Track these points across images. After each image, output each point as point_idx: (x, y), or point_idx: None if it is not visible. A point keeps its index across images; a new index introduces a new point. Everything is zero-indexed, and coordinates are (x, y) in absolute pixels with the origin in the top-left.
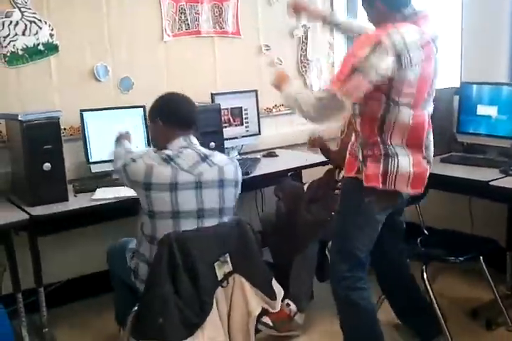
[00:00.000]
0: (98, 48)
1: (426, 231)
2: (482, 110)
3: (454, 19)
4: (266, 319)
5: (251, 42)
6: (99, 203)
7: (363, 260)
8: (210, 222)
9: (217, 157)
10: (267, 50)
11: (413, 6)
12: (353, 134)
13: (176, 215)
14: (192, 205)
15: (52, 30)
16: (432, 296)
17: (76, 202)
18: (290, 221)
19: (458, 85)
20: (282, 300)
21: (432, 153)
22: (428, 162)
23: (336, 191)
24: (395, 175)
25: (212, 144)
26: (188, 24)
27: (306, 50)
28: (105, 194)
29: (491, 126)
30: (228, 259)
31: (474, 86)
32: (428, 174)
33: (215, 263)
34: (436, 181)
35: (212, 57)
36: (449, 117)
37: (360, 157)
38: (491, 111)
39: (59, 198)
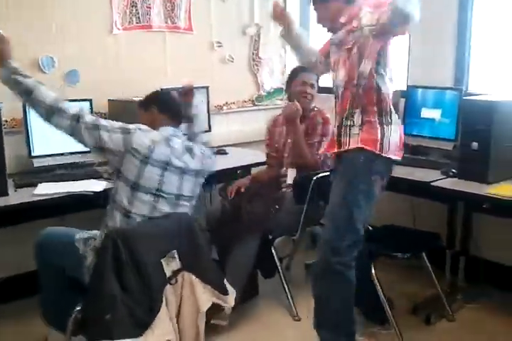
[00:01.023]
0: (44, 39)
1: (370, 227)
2: (426, 113)
3: None
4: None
5: (203, 39)
6: (41, 198)
7: (360, 237)
8: (183, 208)
9: (198, 150)
10: (219, 46)
11: None
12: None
13: (157, 194)
14: (174, 189)
15: None
16: (380, 291)
17: (16, 196)
18: (234, 216)
19: (404, 88)
20: None
21: None
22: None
23: (283, 189)
24: (389, 143)
25: None
26: (139, 18)
27: (258, 48)
28: (48, 189)
29: (434, 128)
30: (176, 256)
31: (419, 89)
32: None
33: (163, 260)
34: None
35: (162, 52)
36: None
37: (359, 121)
38: (435, 114)
39: None
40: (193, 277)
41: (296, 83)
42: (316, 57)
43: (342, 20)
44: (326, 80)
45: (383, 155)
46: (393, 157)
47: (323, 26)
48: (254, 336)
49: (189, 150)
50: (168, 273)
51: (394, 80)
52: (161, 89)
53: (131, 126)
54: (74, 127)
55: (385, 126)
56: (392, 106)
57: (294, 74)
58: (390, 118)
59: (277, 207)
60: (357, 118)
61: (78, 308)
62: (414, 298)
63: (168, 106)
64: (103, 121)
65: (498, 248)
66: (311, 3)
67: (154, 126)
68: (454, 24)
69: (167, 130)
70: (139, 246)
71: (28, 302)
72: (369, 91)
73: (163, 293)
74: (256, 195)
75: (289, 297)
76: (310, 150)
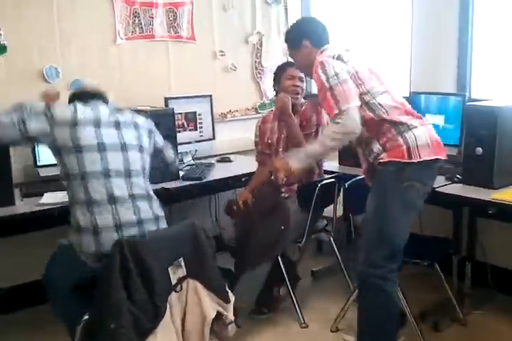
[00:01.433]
0: (49, 50)
1: None
2: (430, 119)
3: (404, 31)
4: None
5: (206, 48)
6: (47, 208)
7: (399, 248)
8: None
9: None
10: (222, 55)
11: None
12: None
13: (98, 148)
14: (113, 140)
15: (0, 29)
16: (402, 296)
17: (23, 206)
18: (246, 240)
19: (407, 95)
20: None
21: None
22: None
23: (282, 194)
24: (417, 147)
25: None
26: (142, 28)
27: (260, 56)
28: (54, 198)
29: (438, 134)
30: (182, 264)
31: (422, 96)
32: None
33: (169, 268)
34: None
35: (166, 62)
36: None
37: (379, 148)
38: (438, 120)
39: (5, 202)
40: (198, 284)
41: (285, 77)
42: None
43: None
44: None
45: (414, 161)
46: (429, 158)
47: (304, 73)
48: None
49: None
50: (173, 281)
51: (382, 88)
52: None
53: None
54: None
55: (404, 134)
56: (402, 114)
57: (282, 69)
58: (407, 124)
59: (283, 227)
60: (376, 148)
61: (86, 317)
62: (421, 304)
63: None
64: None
65: (504, 253)
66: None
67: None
68: (455, 30)
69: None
70: (146, 254)
71: (35, 311)
72: (369, 122)
73: (168, 300)
74: (264, 212)
75: (296, 304)
76: (307, 141)
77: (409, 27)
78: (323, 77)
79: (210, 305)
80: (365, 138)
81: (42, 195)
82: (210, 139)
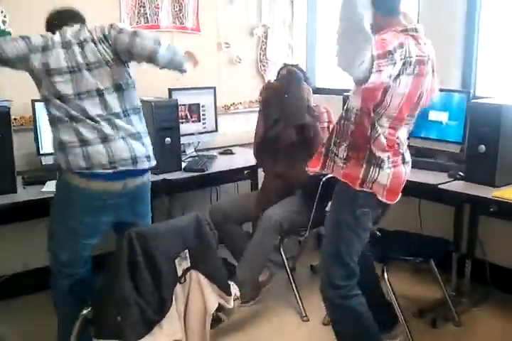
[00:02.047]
0: None
1: (378, 232)
2: (434, 115)
3: None
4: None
5: (211, 39)
6: (48, 196)
7: (353, 270)
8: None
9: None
10: (227, 47)
11: None
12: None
13: (68, 71)
14: (78, 60)
15: (4, 16)
16: (392, 295)
17: (25, 194)
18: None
19: None
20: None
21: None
22: (406, 163)
23: None
24: (372, 183)
25: (168, 140)
26: (147, 18)
27: (265, 49)
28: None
29: (441, 131)
30: (188, 255)
31: None
32: (405, 179)
33: (176, 260)
34: None
35: None
36: None
37: (343, 155)
38: (442, 116)
39: (7, 190)
40: (201, 276)
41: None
42: None
43: None
44: (326, 82)
45: (365, 190)
46: (380, 197)
47: None
48: (263, 336)
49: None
50: (179, 273)
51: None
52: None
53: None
54: None
55: (371, 167)
56: (387, 151)
57: (281, 68)
58: (382, 161)
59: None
60: (341, 152)
61: (84, 312)
62: (419, 301)
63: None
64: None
65: (505, 251)
66: None
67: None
68: (461, 27)
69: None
70: (154, 246)
71: (36, 298)
72: (359, 127)
73: (174, 292)
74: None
75: (298, 297)
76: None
77: (415, 22)
78: None
79: (213, 297)
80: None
81: (44, 183)
82: (212, 131)
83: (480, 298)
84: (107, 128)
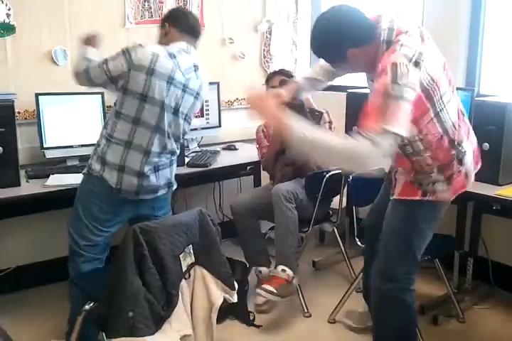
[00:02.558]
0: (58, 31)
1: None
2: None
3: (414, 21)
4: (269, 287)
5: (215, 35)
6: (52, 190)
7: (418, 263)
8: (177, 122)
9: (202, 72)
10: (231, 43)
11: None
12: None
13: (161, 106)
14: (174, 102)
15: (9, 10)
16: None
17: (28, 187)
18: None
19: None
20: (275, 267)
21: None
22: None
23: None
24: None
25: None
26: (152, 12)
27: (269, 45)
28: (59, 180)
29: None
30: (192, 251)
31: None
32: None
33: (181, 255)
34: None
35: None
36: None
37: (443, 178)
38: None
39: (11, 183)
40: (205, 271)
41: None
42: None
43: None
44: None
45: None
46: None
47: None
48: (265, 332)
49: (196, 69)
50: (184, 268)
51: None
52: (174, 8)
53: (131, 46)
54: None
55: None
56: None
57: (269, 77)
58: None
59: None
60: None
61: (87, 307)
62: (421, 298)
63: (178, 20)
64: (107, 56)
65: (507, 250)
66: None
67: (167, 41)
68: (466, 25)
69: (177, 44)
70: (160, 241)
71: (40, 291)
72: (437, 146)
73: (180, 287)
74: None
75: (300, 294)
76: None
77: (420, 21)
78: (389, 78)
79: (217, 292)
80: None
81: (47, 176)
82: (216, 127)
83: (482, 296)
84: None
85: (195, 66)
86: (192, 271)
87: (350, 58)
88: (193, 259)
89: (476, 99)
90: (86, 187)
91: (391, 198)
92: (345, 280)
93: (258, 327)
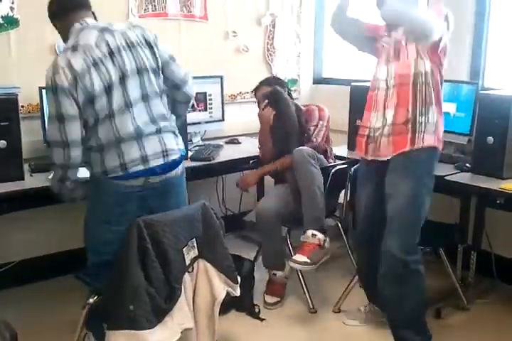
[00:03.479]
0: None
1: None
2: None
3: None
4: (301, 257)
5: (218, 28)
6: None
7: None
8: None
9: (116, 25)
10: (234, 36)
11: None
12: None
13: (109, 90)
14: (132, 65)
15: (12, 3)
16: None
17: (32, 181)
18: None
19: None
20: (305, 232)
21: None
22: None
23: None
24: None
25: None
26: (155, 5)
27: (273, 38)
28: None
29: (449, 122)
30: (195, 244)
31: None
32: None
33: (184, 249)
34: None
35: (177, 41)
36: None
37: (434, 119)
38: (450, 108)
39: (14, 177)
40: (208, 264)
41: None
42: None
43: None
44: (333, 71)
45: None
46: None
47: None
48: (271, 328)
49: (103, 31)
50: (187, 262)
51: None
52: None
53: (47, 82)
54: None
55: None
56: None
57: (256, 87)
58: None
59: None
60: (431, 116)
61: (91, 300)
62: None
63: (52, 10)
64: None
65: (510, 244)
66: None
67: (65, 34)
68: (471, 17)
69: (73, 32)
70: (163, 234)
71: (44, 285)
72: (437, 89)
73: (183, 281)
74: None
75: (305, 289)
76: (307, 135)
77: None
78: None
79: (220, 286)
80: (428, 101)
81: (51, 170)
82: (219, 120)
83: (485, 290)
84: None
85: (100, 30)
86: (195, 265)
87: None
88: (196, 253)
89: (481, 92)
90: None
91: (388, 159)
92: (349, 274)
93: (262, 320)
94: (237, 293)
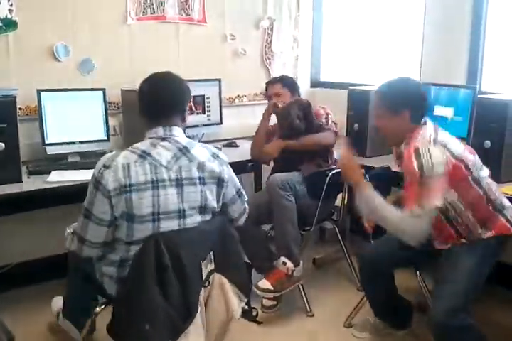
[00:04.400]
0: (59, 27)
1: None
2: (439, 111)
3: (416, 18)
4: (265, 284)
5: (216, 31)
6: (53, 186)
7: None
8: (191, 221)
9: (197, 150)
10: (232, 39)
11: None
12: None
13: (156, 218)
14: (173, 205)
15: (11, 5)
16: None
17: (30, 183)
18: None
19: None
20: (277, 259)
21: None
22: None
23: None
24: None
25: None
26: (154, 9)
27: (270, 42)
28: (60, 177)
29: (446, 126)
30: (212, 257)
31: (432, 87)
32: None
33: (203, 263)
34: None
35: (176, 44)
36: None
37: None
38: (447, 112)
39: (12, 179)
40: (224, 280)
41: (268, 96)
42: None
43: None
44: (331, 75)
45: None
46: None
47: (388, 141)
48: (269, 333)
49: (183, 152)
50: (204, 276)
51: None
52: (141, 84)
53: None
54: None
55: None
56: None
57: (268, 84)
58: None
59: None
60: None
61: (98, 309)
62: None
63: (142, 105)
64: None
65: (508, 248)
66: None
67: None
68: (468, 21)
69: (150, 135)
70: (181, 249)
71: (42, 287)
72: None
73: (199, 296)
74: None
75: (303, 293)
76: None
77: (422, 16)
78: (416, 165)
79: (235, 302)
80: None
81: (49, 172)
82: (217, 123)
83: (482, 295)
84: None
85: (180, 150)
86: (211, 278)
87: (398, 117)
88: (212, 266)
89: (479, 96)
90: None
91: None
92: (346, 278)
93: (259, 323)
94: (245, 306)
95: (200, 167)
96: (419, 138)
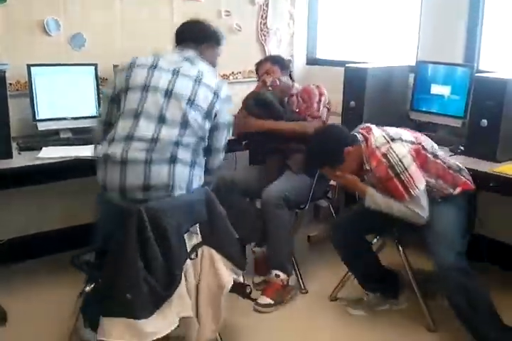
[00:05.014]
0: (50, 1)
1: None
2: (436, 89)
3: None
4: (264, 299)
5: (211, 6)
6: (44, 162)
7: None
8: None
9: (208, 74)
10: (227, 15)
11: None
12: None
13: (142, 88)
14: (162, 84)
15: None
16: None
17: (20, 159)
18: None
19: (414, 63)
20: (270, 272)
21: None
22: None
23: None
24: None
25: None
26: None
27: (266, 18)
28: (51, 153)
29: (443, 105)
30: (198, 230)
31: (430, 65)
32: None
33: (185, 235)
34: None
35: (169, 19)
36: (403, 94)
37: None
38: (445, 90)
39: (2, 155)
40: (213, 251)
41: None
42: None
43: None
44: (327, 52)
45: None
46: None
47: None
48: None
49: (191, 62)
50: (188, 248)
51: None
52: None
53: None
54: None
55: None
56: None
57: (258, 64)
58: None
59: None
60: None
61: (88, 288)
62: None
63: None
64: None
65: (504, 227)
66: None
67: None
68: (466, 1)
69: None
70: (164, 221)
71: (34, 263)
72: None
73: (184, 268)
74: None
75: (297, 270)
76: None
77: None
78: (387, 167)
79: (226, 274)
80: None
81: (40, 149)
82: None
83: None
84: None
85: (187, 59)
86: (199, 251)
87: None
88: (199, 239)
89: (476, 75)
90: None
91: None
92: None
93: (254, 300)
94: (241, 279)
95: (200, 76)
96: (373, 144)
